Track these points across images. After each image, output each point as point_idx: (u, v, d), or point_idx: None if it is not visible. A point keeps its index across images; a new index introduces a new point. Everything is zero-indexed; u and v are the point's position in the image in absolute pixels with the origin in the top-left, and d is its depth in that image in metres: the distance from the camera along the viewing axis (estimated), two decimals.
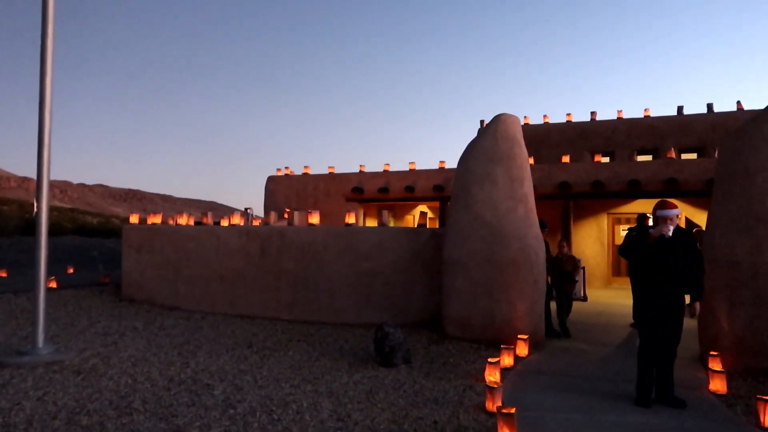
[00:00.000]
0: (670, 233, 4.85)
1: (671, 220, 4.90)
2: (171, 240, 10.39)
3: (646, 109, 16.79)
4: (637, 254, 5.02)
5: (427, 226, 9.20)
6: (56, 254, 16.87)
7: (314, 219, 9.72)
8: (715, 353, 5.96)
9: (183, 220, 10.86)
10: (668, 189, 12.40)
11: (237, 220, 10.87)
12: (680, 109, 16.48)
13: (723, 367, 5.74)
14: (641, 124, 16.53)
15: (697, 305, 4.95)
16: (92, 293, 10.96)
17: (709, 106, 16.21)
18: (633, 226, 8.67)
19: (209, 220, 11.08)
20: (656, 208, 5.00)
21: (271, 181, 16.84)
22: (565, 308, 8.36)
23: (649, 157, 15.63)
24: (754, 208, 6.18)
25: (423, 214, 9.04)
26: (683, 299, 4.96)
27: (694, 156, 15.38)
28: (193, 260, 10.11)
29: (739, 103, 16.01)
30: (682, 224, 14.07)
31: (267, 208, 17.06)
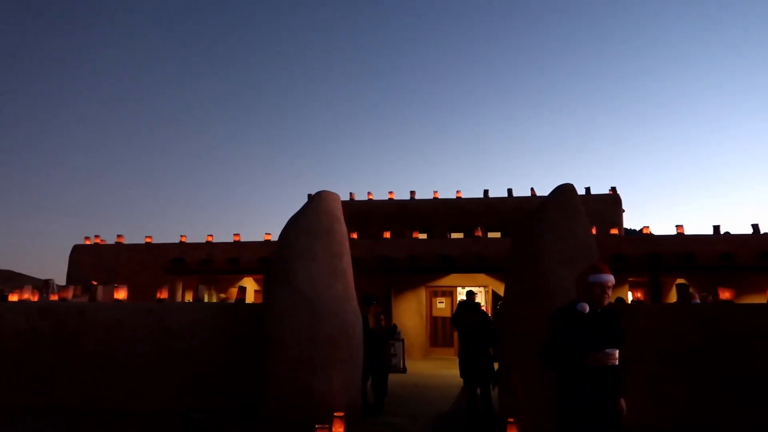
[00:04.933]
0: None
1: (609, 288, 3.71)
2: None
3: (458, 191, 18.49)
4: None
5: (247, 301, 8.92)
6: None
7: (121, 294, 8.92)
8: (512, 420, 6.44)
9: None
10: (476, 264, 13.57)
11: (28, 294, 9.56)
12: (486, 192, 18.43)
13: None
14: (454, 205, 18.11)
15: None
16: None
17: (509, 191, 18.36)
18: (463, 299, 9.24)
19: None
20: (588, 273, 3.76)
21: (78, 250, 15.27)
22: (382, 381, 8.44)
23: (461, 235, 17.07)
24: (541, 285, 6.99)
25: (242, 289, 8.77)
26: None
27: (498, 235, 17.13)
28: None
29: (533, 189, 18.36)
30: (489, 298, 15.39)
31: (71, 281, 15.33)
